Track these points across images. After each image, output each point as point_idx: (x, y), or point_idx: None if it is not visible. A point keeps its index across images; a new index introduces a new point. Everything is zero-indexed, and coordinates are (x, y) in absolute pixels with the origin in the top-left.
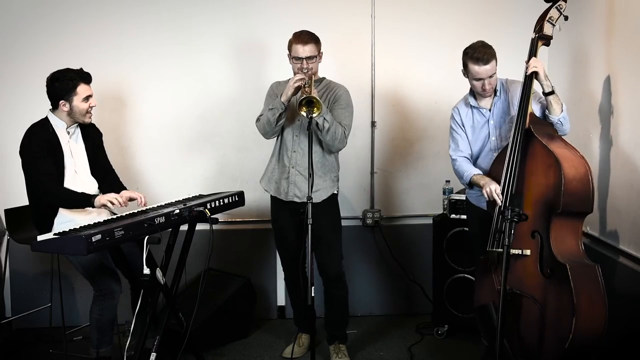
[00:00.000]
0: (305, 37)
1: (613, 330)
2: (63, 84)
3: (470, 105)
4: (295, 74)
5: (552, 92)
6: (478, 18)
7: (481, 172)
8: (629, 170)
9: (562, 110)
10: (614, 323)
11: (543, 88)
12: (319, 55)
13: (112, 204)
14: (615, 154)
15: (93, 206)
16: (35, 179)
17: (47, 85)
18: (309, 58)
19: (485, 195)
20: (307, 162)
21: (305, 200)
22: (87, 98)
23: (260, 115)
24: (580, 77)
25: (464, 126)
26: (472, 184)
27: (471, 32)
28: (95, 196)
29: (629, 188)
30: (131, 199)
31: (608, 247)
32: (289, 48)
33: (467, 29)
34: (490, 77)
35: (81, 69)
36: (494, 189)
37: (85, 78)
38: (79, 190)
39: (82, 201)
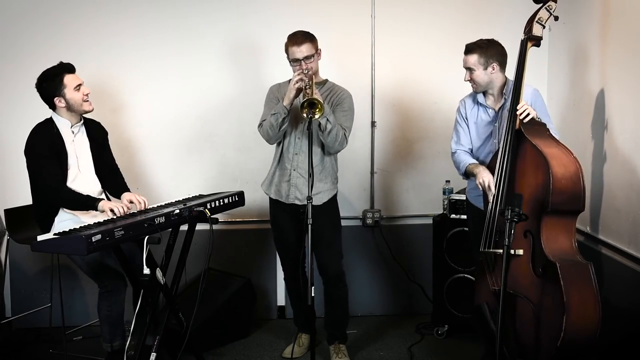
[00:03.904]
0: (299, 37)
1: (613, 330)
2: (49, 82)
3: (477, 102)
4: None
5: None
6: (478, 18)
7: (477, 162)
8: (629, 170)
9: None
10: (613, 323)
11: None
12: (316, 53)
13: (114, 213)
14: (615, 153)
15: (96, 209)
16: (40, 179)
17: (37, 90)
18: (306, 58)
19: (479, 186)
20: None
21: (306, 202)
22: (78, 87)
23: (263, 121)
24: (579, 77)
25: (467, 120)
26: (467, 174)
27: (471, 32)
28: (99, 200)
29: (629, 188)
30: (132, 202)
31: (608, 246)
32: (286, 51)
33: (467, 29)
34: (470, 69)
35: (60, 61)
36: (487, 180)
37: (68, 68)
38: (82, 190)
39: (87, 203)
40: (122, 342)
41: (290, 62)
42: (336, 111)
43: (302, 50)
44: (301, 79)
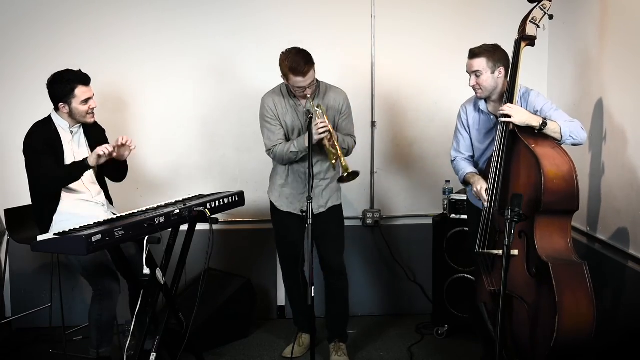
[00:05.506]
0: (302, 67)
1: (612, 330)
2: (61, 87)
3: (479, 109)
4: (291, 93)
5: (543, 127)
6: (478, 18)
7: (476, 171)
8: (629, 170)
9: (561, 136)
10: (613, 323)
11: (534, 128)
12: (314, 71)
13: (104, 153)
14: (616, 153)
15: (89, 166)
16: (38, 174)
17: (47, 87)
18: (310, 83)
19: (475, 195)
20: (323, 174)
21: (324, 209)
22: (87, 100)
23: (274, 146)
24: (580, 78)
25: (469, 127)
26: (465, 182)
27: (471, 32)
28: (86, 158)
29: (629, 188)
30: (120, 145)
31: (607, 247)
32: (285, 76)
33: (467, 29)
34: (475, 73)
35: (79, 70)
36: (479, 188)
37: (84, 80)
38: (80, 191)
39: (79, 167)
40: (109, 349)
41: (287, 82)
42: (341, 119)
43: (307, 79)
44: (328, 131)
